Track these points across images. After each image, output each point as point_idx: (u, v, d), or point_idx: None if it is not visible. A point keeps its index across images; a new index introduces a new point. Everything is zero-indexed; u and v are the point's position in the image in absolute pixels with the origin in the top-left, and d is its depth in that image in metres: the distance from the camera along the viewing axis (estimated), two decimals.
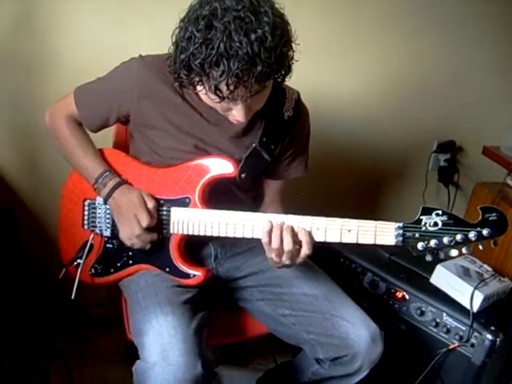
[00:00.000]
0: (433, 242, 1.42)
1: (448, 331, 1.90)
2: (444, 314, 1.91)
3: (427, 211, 1.42)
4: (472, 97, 2.67)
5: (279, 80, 1.42)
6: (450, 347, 1.89)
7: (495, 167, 2.51)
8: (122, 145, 1.88)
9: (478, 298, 1.87)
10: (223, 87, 1.32)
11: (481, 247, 1.43)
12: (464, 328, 1.86)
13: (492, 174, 2.53)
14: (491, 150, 2.56)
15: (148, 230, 1.58)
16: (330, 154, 2.46)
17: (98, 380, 2.24)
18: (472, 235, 1.40)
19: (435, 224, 1.41)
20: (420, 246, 1.43)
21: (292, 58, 1.40)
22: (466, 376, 1.87)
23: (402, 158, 2.73)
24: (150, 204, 1.58)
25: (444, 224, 1.40)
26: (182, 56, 1.34)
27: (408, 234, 1.43)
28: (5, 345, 2.21)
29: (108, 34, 2.12)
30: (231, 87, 1.31)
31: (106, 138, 1.83)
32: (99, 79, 1.66)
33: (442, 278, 1.97)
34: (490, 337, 1.80)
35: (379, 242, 1.45)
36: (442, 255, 1.45)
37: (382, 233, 1.45)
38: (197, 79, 1.36)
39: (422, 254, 1.45)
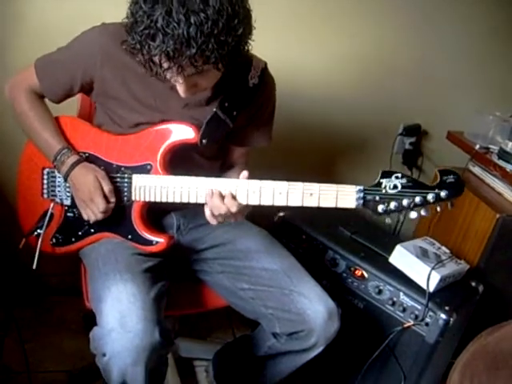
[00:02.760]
0: (392, 205, 1.44)
1: (404, 310, 1.94)
2: (401, 294, 1.95)
3: (387, 174, 1.45)
4: (439, 82, 2.70)
5: (220, 69, 1.38)
6: (405, 325, 1.92)
7: (458, 152, 2.55)
8: (86, 116, 1.86)
9: (435, 279, 1.90)
10: (156, 61, 1.33)
11: (438, 209, 1.46)
12: (420, 307, 1.90)
13: (455, 158, 2.56)
14: (455, 135, 2.59)
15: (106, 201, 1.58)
16: (293, 131, 2.47)
17: (54, 349, 2.23)
18: (430, 197, 1.43)
19: (395, 187, 1.44)
20: (380, 208, 1.45)
21: (242, 48, 1.38)
22: (420, 354, 1.91)
23: (368, 139, 2.75)
24: (106, 187, 1.57)
25: (403, 187, 1.43)
26: (129, 21, 1.33)
27: (368, 196, 1.46)
28: None
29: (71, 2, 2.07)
30: (164, 65, 1.32)
31: (71, 108, 1.80)
32: (60, 49, 1.63)
33: (401, 257, 2.01)
34: (443, 316, 1.84)
35: (340, 205, 1.47)
36: (401, 218, 1.48)
37: (344, 196, 1.47)
38: (138, 47, 1.34)
39: (382, 216, 1.47)
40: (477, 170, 2.46)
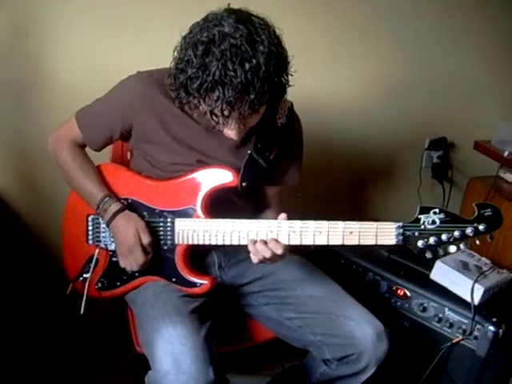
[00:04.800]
0: (432, 240, 1.46)
1: (451, 325, 1.93)
2: (446, 309, 1.94)
3: (425, 210, 1.46)
4: (460, 92, 2.70)
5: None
6: (454, 341, 1.92)
7: (487, 161, 2.54)
8: (118, 160, 1.93)
9: (479, 291, 1.89)
10: (218, 112, 1.37)
11: (478, 242, 1.48)
12: (466, 321, 1.89)
13: (485, 167, 2.57)
14: (482, 145, 2.60)
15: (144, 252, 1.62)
16: (325, 156, 2.49)
17: None
18: (469, 231, 1.45)
19: (433, 222, 1.46)
20: (420, 243, 1.47)
21: (287, 83, 1.45)
22: (472, 369, 1.90)
23: (396, 157, 2.76)
24: (145, 240, 1.61)
25: (442, 222, 1.45)
26: (181, 78, 1.38)
27: (408, 233, 1.47)
28: (15, 365, 2.21)
29: (102, 53, 2.14)
30: (225, 113, 1.37)
31: (103, 153, 1.84)
32: (99, 99, 1.69)
33: (442, 273, 2.00)
34: (492, 328, 1.83)
35: (380, 242, 1.49)
36: (441, 252, 1.49)
37: (383, 233, 1.48)
38: (195, 102, 1.40)
39: (421, 251, 1.49)
40: (508, 176, 2.45)
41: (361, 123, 2.59)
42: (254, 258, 1.54)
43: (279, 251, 1.51)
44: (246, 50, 1.31)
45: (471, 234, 1.45)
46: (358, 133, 2.60)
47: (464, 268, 2.01)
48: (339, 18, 2.41)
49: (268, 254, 1.51)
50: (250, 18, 1.37)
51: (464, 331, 1.90)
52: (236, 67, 1.29)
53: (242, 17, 1.36)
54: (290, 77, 1.46)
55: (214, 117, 1.40)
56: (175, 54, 1.42)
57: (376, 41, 2.50)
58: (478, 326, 1.87)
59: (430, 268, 2.03)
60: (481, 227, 1.45)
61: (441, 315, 1.95)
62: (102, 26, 2.11)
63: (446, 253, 1.50)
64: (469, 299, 1.90)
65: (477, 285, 1.90)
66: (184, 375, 1.40)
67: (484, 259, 2.11)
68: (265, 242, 1.52)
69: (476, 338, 1.87)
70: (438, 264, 2.01)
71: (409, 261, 2.14)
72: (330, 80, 2.50)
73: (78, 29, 2.08)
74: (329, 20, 2.40)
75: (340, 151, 2.58)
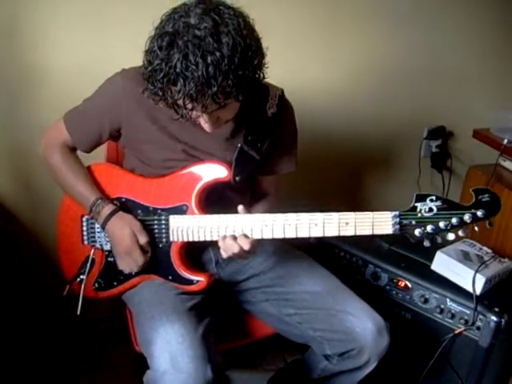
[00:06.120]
0: (429, 228, 1.44)
1: (453, 316, 1.91)
2: (448, 300, 1.92)
3: (421, 198, 1.44)
4: (457, 82, 2.68)
5: (240, 99, 1.41)
6: (457, 332, 1.90)
7: (487, 149, 2.52)
8: (113, 160, 1.91)
9: (480, 281, 1.88)
10: (180, 104, 1.36)
11: (476, 229, 1.44)
12: (468, 312, 1.88)
13: (484, 156, 2.55)
14: (481, 133, 2.57)
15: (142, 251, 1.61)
16: (322, 147, 2.48)
17: None
18: (467, 217, 1.42)
19: (430, 210, 1.43)
20: (417, 232, 1.45)
21: (258, 75, 1.42)
22: (475, 359, 1.89)
23: (395, 147, 2.74)
24: (143, 240, 1.60)
25: (439, 209, 1.42)
26: (148, 69, 1.35)
27: (405, 221, 1.45)
28: (14, 366, 2.21)
29: (93, 49, 2.11)
30: (188, 106, 1.36)
31: (98, 154, 1.82)
32: (86, 100, 1.67)
33: (443, 263, 1.99)
34: (494, 318, 1.82)
35: (377, 231, 1.47)
36: (439, 240, 1.47)
37: (380, 223, 1.46)
38: (160, 93, 1.37)
39: (419, 240, 1.46)
40: (508, 164, 2.43)
41: (358, 113, 2.57)
42: (224, 253, 1.54)
43: (246, 247, 1.50)
44: (210, 42, 1.27)
45: (469, 221, 1.42)
46: (356, 123, 2.59)
47: (465, 258, 1.99)
48: (332, 6, 2.38)
49: (236, 250, 1.50)
50: (219, 8, 1.33)
51: (466, 322, 1.88)
52: (198, 60, 1.26)
53: (209, 7, 1.32)
54: (265, 69, 1.42)
55: (177, 108, 1.39)
56: (146, 44, 1.38)
57: (372, 29, 2.48)
58: (481, 317, 1.85)
59: (431, 259, 2.02)
60: (479, 213, 1.41)
61: (442, 306, 1.93)
62: (91, 21, 2.08)
63: (445, 241, 1.47)
64: (470, 289, 1.88)
65: (478, 275, 1.88)
66: (182, 374, 1.39)
67: (485, 248, 2.09)
68: (234, 238, 1.52)
69: (478, 328, 1.86)
70: (439, 255, 2.00)
71: (410, 252, 2.11)
72: (326, 70, 2.48)
73: (68, 25, 2.06)
74: (321, 9, 2.37)
75: (338, 141, 2.56)
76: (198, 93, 1.30)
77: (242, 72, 1.32)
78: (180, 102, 1.35)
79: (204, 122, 1.45)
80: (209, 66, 1.27)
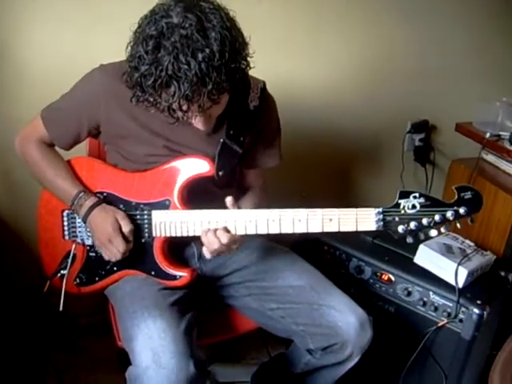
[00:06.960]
0: (412, 224, 1.45)
1: (436, 309, 1.92)
2: (431, 293, 1.93)
3: (405, 194, 1.45)
4: (440, 75, 2.68)
5: (230, 93, 1.41)
6: (439, 324, 1.91)
7: (469, 143, 2.53)
8: (95, 156, 1.88)
9: (463, 274, 1.88)
10: (176, 107, 1.34)
11: (458, 225, 1.47)
12: (451, 304, 1.88)
13: (467, 149, 2.55)
14: (464, 126, 2.58)
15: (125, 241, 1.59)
16: (303, 143, 2.47)
17: None
18: (449, 214, 1.44)
19: (413, 206, 1.44)
20: (400, 228, 1.46)
21: (246, 66, 1.41)
22: (458, 351, 1.89)
23: (378, 141, 2.74)
24: (126, 228, 1.58)
25: (422, 206, 1.44)
26: (135, 76, 1.33)
27: (388, 218, 1.46)
28: None
29: (73, 42, 2.09)
30: (184, 107, 1.34)
31: (79, 150, 1.80)
32: (63, 96, 1.65)
33: (426, 257, 1.99)
34: (477, 311, 1.82)
35: (361, 228, 1.48)
36: (422, 236, 1.48)
37: (363, 219, 1.47)
38: (151, 99, 1.36)
39: (402, 236, 1.48)
40: (490, 157, 2.44)
41: (341, 108, 2.56)
42: (206, 252, 1.54)
43: (224, 240, 1.49)
44: (198, 40, 1.26)
45: (452, 218, 1.44)
46: (339, 118, 2.58)
47: (448, 251, 1.99)
48: (317, 3, 2.38)
49: (217, 245, 1.50)
50: (199, 3, 1.31)
51: (449, 314, 1.89)
52: (189, 59, 1.25)
53: (189, 4, 1.30)
54: (249, 59, 1.41)
55: (172, 112, 1.37)
56: (127, 50, 1.36)
57: (356, 26, 2.48)
58: (463, 309, 1.86)
59: (415, 252, 2.02)
60: (461, 210, 1.43)
61: (425, 299, 1.94)
62: (72, 13, 2.06)
63: (427, 237, 1.49)
64: (453, 282, 1.89)
65: (461, 268, 1.89)
66: (164, 369, 1.38)
67: (468, 241, 2.10)
68: (215, 232, 1.51)
69: (461, 320, 1.86)
70: (422, 248, 2.00)
71: (393, 245, 2.12)
72: (309, 66, 2.47)
73: (47, 17, 2.04)
74: (307, 6, 2.36)
75: (322, 136, 2.56)
76: (194, 92, 1.28)
77: (233, 65, 1.32)
78: (175, 105, 1.33)
79: (198, 122, 1.44)
80: (201, 64, 1.26)
